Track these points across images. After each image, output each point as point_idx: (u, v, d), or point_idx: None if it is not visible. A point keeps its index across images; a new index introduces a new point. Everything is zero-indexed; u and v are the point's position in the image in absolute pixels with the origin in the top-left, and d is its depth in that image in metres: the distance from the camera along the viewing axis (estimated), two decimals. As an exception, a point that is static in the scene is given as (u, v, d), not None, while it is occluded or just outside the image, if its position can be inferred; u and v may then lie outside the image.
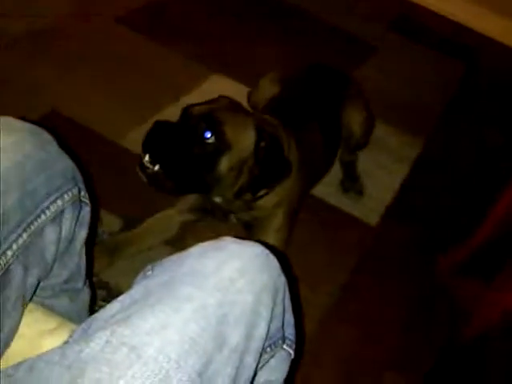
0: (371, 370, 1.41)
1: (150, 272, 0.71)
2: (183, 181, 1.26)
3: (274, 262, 0.73)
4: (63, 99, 1.82)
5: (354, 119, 1.73)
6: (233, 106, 1.35)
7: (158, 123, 1.23)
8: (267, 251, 0.73)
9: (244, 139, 1.27)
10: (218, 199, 1.40)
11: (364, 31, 2.59)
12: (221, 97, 1.37)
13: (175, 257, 0.70)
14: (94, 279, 1.34)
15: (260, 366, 0.74)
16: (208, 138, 1.23)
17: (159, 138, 1.23)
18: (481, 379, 1.37)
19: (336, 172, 1.82)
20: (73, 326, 0.79)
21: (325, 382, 1.36)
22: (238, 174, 1.30)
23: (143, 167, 1.23)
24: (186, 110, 1.29)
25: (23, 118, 0.81)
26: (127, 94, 1.90)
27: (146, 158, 1.22)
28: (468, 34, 2.90)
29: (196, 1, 2.51)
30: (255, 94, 1.80)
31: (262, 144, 1.29)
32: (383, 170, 1.92)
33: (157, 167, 1.22)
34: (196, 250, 0.70)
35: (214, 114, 1.25)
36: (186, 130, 1.24)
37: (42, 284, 0.82)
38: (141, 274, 0.72)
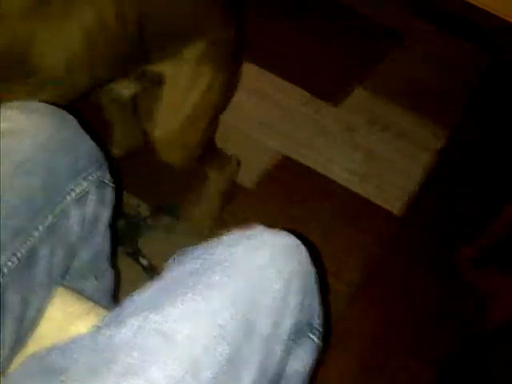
0: (392, 359, 1.41)
1: (180, 259, 0.71)
2: None
3: (303, 251, 0.73)
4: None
5: None
6: None
7: None
8: (297, 241, 0.73)
9: None
10: None
11: (389, 19, 2.56)
12: None
13: (206, 244, 0.71)
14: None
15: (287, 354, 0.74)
16: None
17: None
18: (504, 370, 1.37)
19: (359, 159, 1.81)
20: (102, 311, 0.80)
21: (346, 369, 1.37)
22: None
23: None
24: None
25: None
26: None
27: None
28: (494, 22, 2.85)
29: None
30: None
31: None
32: (408, 159, 1.91)
33: None
34: (226, 238, 0.71)
35: None
36: None
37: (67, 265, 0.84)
38: (171, 261, 0.73)
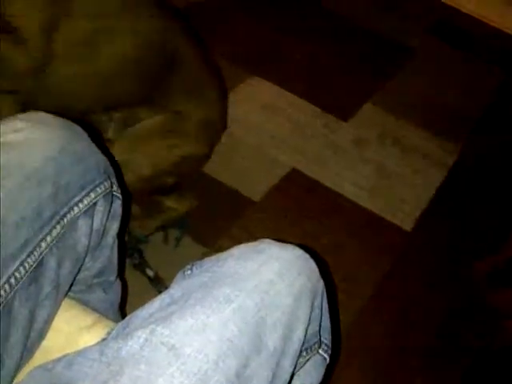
0: (404, 373, 1.40)
1: (189, 272, 0.71)
2: None
3: (313, 265, 0.72)
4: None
5: None
6: None
7: None
8: (307, 255, 0.72)
9: None
10: None
11: (402, 35, 2.57)
12: None
13: (214, 257, 0.70)
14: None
15: (295, 370, 0.74)
16: None
17: None
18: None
19: (369, 174, 1.81)
20: (109, 323, 0.80)
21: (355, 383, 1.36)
22: None
23: None
24: None
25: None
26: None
27: None
28: (508, 40, 2.85)
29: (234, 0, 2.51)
30: None
31: None
32: (419, 175, 1.90)
33: None
34: (235, 251, 0.70)
35: None
36: None
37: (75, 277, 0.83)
38: (180, 273, 0.72)
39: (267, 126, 1.89)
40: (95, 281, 0.91)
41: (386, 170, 1.88)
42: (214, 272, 0.67)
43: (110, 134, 1.40)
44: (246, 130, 1.82)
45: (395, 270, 1.60)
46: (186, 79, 1.38)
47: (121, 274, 1.01)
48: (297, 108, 2.00)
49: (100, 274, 0.91)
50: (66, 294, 0.80)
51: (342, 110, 2.04)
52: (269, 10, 2.49)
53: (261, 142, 1.83)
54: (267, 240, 0.72)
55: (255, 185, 1.68)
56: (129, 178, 1.32)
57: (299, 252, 0.72)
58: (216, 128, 1.51)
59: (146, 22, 1.28)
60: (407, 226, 1.72)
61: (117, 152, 1.29)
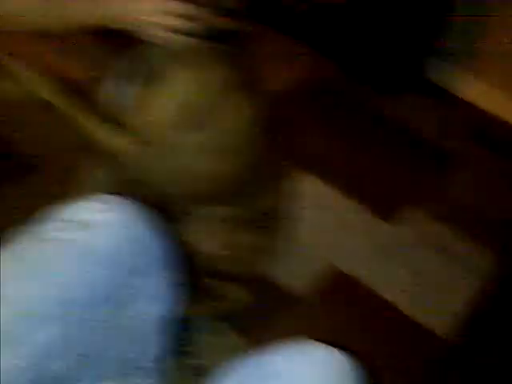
0: None
1: (235, 365, 0.72)
2: None
3: (356, 372, 0.74)
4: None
5: None
6: None
7: None
8: (350, 360, 0.74)
9: None
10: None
11: (443, 141, 2.61)
12: None
13: (259, 353, 0.72)
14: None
15: None
16: None
17: None
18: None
19: (408, 278, 1.81)
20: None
21: None
22: None
23: None
24: None
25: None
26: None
27: None
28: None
29: (281, 100, 2.60)
30: None
31: None
32: (457, 282, 1.89)
33: None
34: (281, 350, 0.72)
35: None
36: None
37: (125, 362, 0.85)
38: (226, 366, 0.74)
39: (310, 221, 1.93)
40: (133, 366, 0.91)
41: (424, 274, 1.88)
42: (260, 368, 0.69)
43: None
44: (293, 225, 1.86)
45: (429, 375, 1.57)
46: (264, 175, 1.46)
47: (163, 361, 1.01)
48: (340, 204, 2.05)
49: (139, 359, 0.91)
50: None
51: (386, 211, 2.08)
52: (328, 112, 2.57)
53: (303, 236, 1.86)
54: (311, 341, 0.74)
55: (296, 279, 1.71)
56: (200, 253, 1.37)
57: (343, 358, 0.73)
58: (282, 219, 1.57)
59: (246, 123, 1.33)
60: (444, 333, 1.71)
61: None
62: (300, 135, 2.35)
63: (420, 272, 1.88)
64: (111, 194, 0.85)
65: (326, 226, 1.95)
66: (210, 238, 1.41)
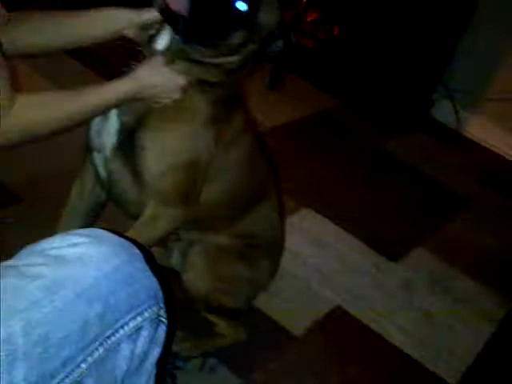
0: None
1: None
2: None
3: None
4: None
5: None
6: None
7: None
8: None
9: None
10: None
11: (457, 184, 2.59)
12: None
13: None
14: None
15: None
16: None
17: None
18: None
19: (415, 320, 1.76)
20: None
21: None
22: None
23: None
24: None
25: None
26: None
27: None
28: None
29: (286, 136, 2.58)
30: None
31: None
32: (467, 326, 1.83)
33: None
34: None
35: None
36: None
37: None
38: None
39: (314, 260, 1.89)
40: None
41: (433, 317, 1.83)
42: None
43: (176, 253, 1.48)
44: (293, 262, 1.82)
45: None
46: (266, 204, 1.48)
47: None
48: (346, 244, 2.01)
49: None
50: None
51: (392, 251, 2.04)
52: (324, 147, 2.56)
53: (307, 275, 1.82)
54: None
55: (297, 319, 1.65)
56: (192, 287, 1.38)
57: None
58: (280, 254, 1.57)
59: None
60: (451, 379, 1.64)
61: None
62: (306, 172, 2.33)
63: (428, 315, 1.83)
64: (92, 226, 0.83)
65: (328, 265, 1.91)
66: (203, 267, 1.39)
